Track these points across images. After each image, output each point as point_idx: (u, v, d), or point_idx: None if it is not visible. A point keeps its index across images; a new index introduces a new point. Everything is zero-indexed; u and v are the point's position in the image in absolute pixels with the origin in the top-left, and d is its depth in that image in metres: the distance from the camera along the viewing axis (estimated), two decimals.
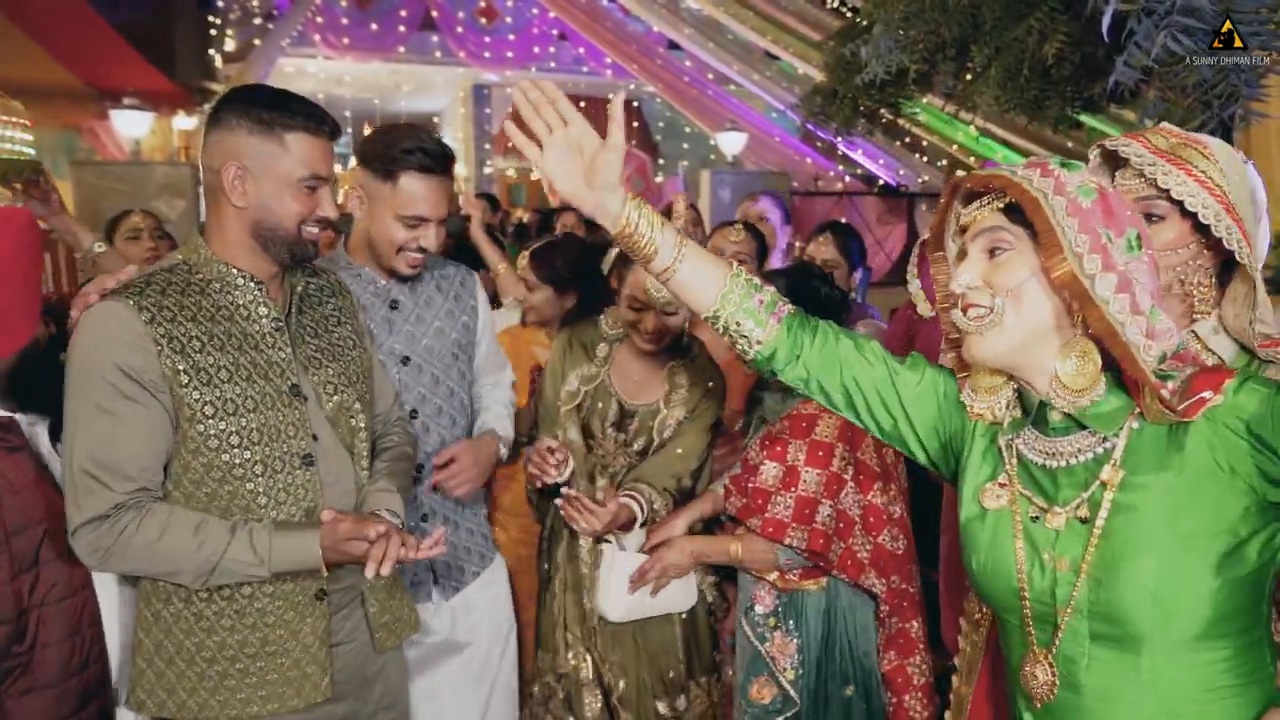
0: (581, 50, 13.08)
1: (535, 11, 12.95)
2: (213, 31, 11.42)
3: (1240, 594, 1.07)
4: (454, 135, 15.24)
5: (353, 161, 2.04)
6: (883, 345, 1.36)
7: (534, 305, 2.78)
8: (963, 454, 1.30)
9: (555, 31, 13.09)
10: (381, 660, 1.76)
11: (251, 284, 1.57)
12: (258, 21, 11.47)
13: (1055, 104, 2.49)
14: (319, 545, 1.50)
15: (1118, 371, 1.11)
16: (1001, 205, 1.15)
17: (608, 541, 2.10)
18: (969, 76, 2.62)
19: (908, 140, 11.15)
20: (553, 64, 13.15)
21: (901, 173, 11.49)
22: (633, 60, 12.18)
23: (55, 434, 1.63)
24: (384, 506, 1.65)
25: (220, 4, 11.47)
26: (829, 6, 9.84)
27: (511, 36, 12.88)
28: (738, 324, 1.29)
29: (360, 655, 1.70)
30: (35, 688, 1.54)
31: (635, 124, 14.02)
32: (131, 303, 1.45)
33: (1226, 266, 1.35)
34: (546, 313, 2.78)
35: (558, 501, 2.04)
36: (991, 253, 1.15)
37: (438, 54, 12.91)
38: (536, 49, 13.03)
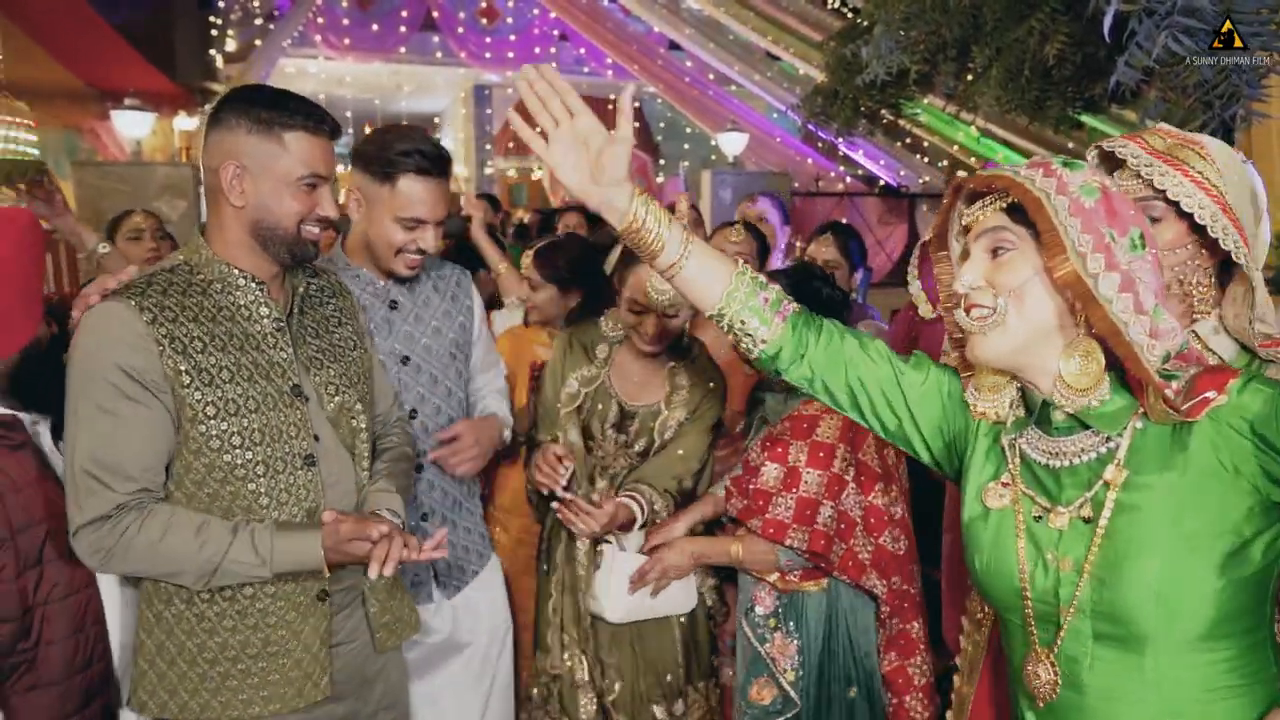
0: (582, 51, 13.08)
1: (536, 12, 12.96)
2: (214, 32, 11.43)
3: (1244, 594, 1.07)
4: (455, 136, 15.25)
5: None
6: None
7: (537, 305, 2.78)
8: (966, 453, 1.30)
9: (556, 32, 13.10)
10: (382, 660, 1.76)
11: (253, 284, 1.57)
12: (259, 22, 11.48)
13: (1056, 104, 2.49)
14: (321, 546, 1.50)
15: (1121, 371, 1.11)
16: (1004, 205, 1.15)
17: (607, 542, 2.09)
18: (970, 77, 2.62)
19: (909, 141, 11.15)
20: (554, 65, 12.98)
21: (902, 173, 11.49)
22: (634, 61, 12.19)
23: (58, 433, 1.63)
24: (384, 507, 1.65)
25: (221, 4, 11.48)
26: (830, 7, 9.85)
27: (512, 37, 12.88)
28: (743, 322, 1.28)
29: (361, 655, 1.70)
30: (40, 684, 1.55)
31: (636, 124, 13.98)
32: (133, 303, 1.45)
33: (1226, 266, 1.35)
34: (550, 312, 2.78)
35: (554, 505, 2.04)
36: (994, 253, 1.15)
37: (439, 54, 12.92)
38: (537, 49, 13.03)
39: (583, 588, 2.15)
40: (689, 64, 12.51)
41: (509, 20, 12.93)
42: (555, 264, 2.74)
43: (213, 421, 1.48)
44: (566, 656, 2.17)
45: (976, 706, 1.59)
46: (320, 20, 11.81)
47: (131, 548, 1.43)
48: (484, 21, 12.87)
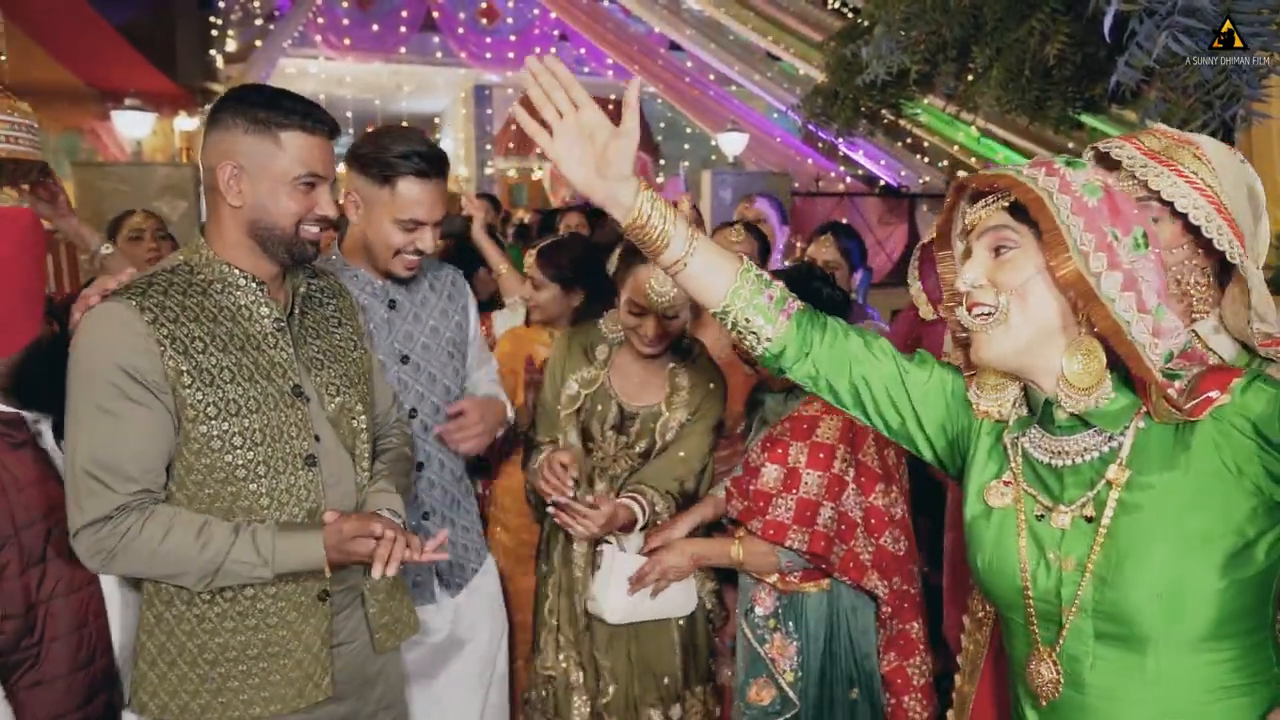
0: (583, 51, 13.08)
1: (536, 12, 12.96)
2: (214, 32, 11.43)
3: (1246, 595, 1.07)
4: (455, 136, 15.26)
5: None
6: None
7: (540, 304, 2.79)
8: (969, 452, 1.30)
9: (556, 32, 13.10)
10: (381, 661, 1.76)
11: (253, 284, 1.57)
12: (259, 22, 11.48)
13: (1057, 105, 2.49)
14: (322, 546, 1.50)
15: (1124, 370, 1.11)
16: (1006, 204, 1.15)
17: (607, 543, 2.08)
18: (970, 77, 2.62)
19: (909, 141, 11.15)
20: None
21: (903, 173, 11.49)
22: (634, 61, 12.18)
23: (59, 433, 1.64)
24: (385, 507, 1.65)
25: (222, 5, 11.48)
26: (830, 7, 9.84)
27: (513, 37, 12.88)
28: (747, 320, 1.27)
29: (361, 655, 1.70)
30: (44, 680, 1.55)
31: None
32: (134, 303, 1.45)
33: (1226, 266, 1.35)
34: (552, 311, 2.79)
35: (550, 510, 2.04)
36: (996, 251, 1.15)
37: (439, 55, 12.92)
38: (538, 50, 12.79)
39: (579, 589, 2.15)
40: (689, 64, 12.51)
41: (509, 20, 12.93)
42: (558, 263, 2.75)
43: (214, 422, 1.48)
44: (561, 658, 2.17)
45: (978, 705, 1.60)
46: (320, 20, 11.81)
47: (132, 549, 1.43)
48: (484, 21, 12.87)
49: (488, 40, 12.86)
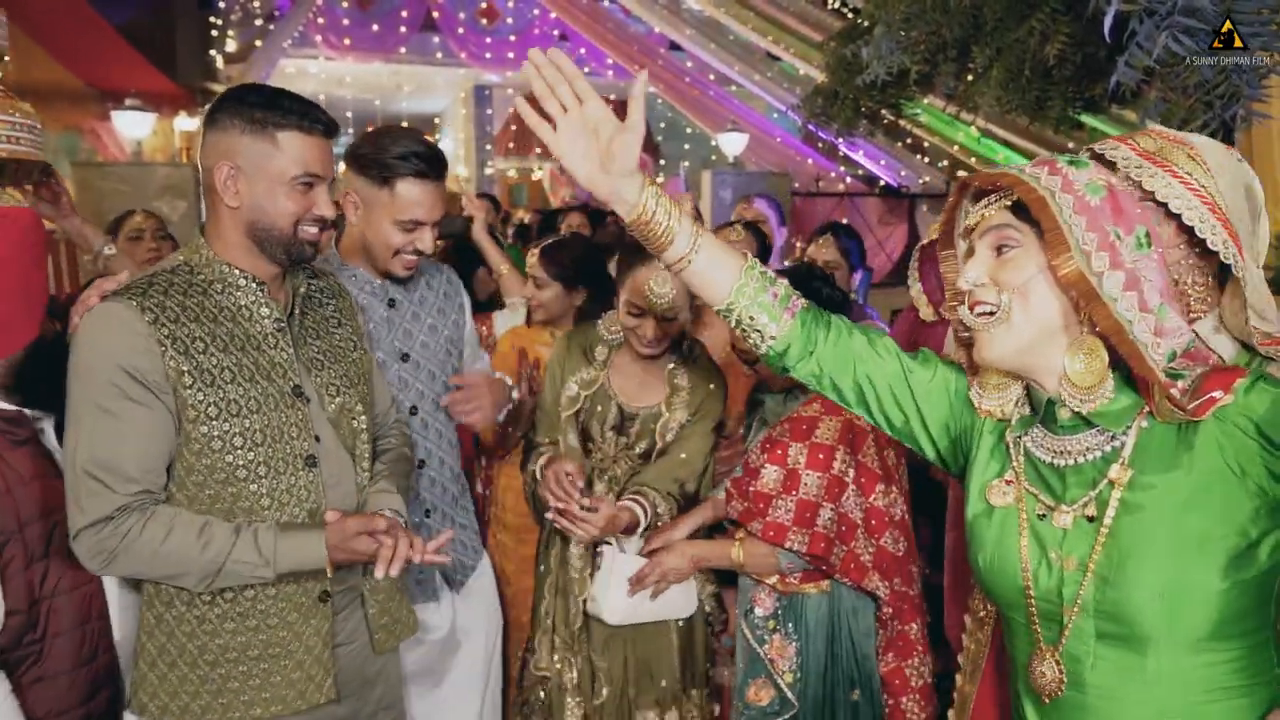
0: (583, 51, 13.07)
1: (536, 12, 12.96)
2: (214, 32, 11.42)
3: (1248, 596, 1.06)
4: (455, 136, 15.26)
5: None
6: None
7: (543, 303, 2.79)
8: (971, 451, 1.30)
9: (556, 32, 13.10)
10: (381, 661, 1.76)
11: (253, 284, 1.57)
12: (259, 22, 11.47)
13: (1057, 105, 2.49)
14: (324, 545, 1.50)
15: (1127, 370, 1.11)
16: (1009, 203, 1.15)
17: (607, 544, 2.08)
18: (970, 77, 2.62)
19: (909, 141, 11.14)
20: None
21: (903, 174, 11.48)
22: (634, 61, 12.18)
23: (61, 431, 1.64)
24: (386, 507, 1.65)
25: (222, 5, 11.47)
26: (830, 7, 9.84)
27: (512, 37, 12.88)
28: (751, 318, 1.26)
29: (360, 656, 1.70)
30: (47, 676, 1.56)
31: None
32: (134, 304, 1.45)
33: (1225, 265, 1.35)
34: (555, 310, 2.79)
35: (548, 515, 2.04)
36: (999, 250, 1.15)
37: (439, 55, 12.92)
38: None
39: (575, 590, 2.15)
40: (689, 64, 12.51)
41: (509, 20, 12.93)
42: (561, 262, 2.75)
43: (215, 422, 1.48)
44: (556, 659, 2.17)
45: (979, 705, 1.59)
46: (320, 20, 11.81)
47: (134, 549, 1.43)
48: (484, 22, 12.87)
49: (488, 40, 12.86)
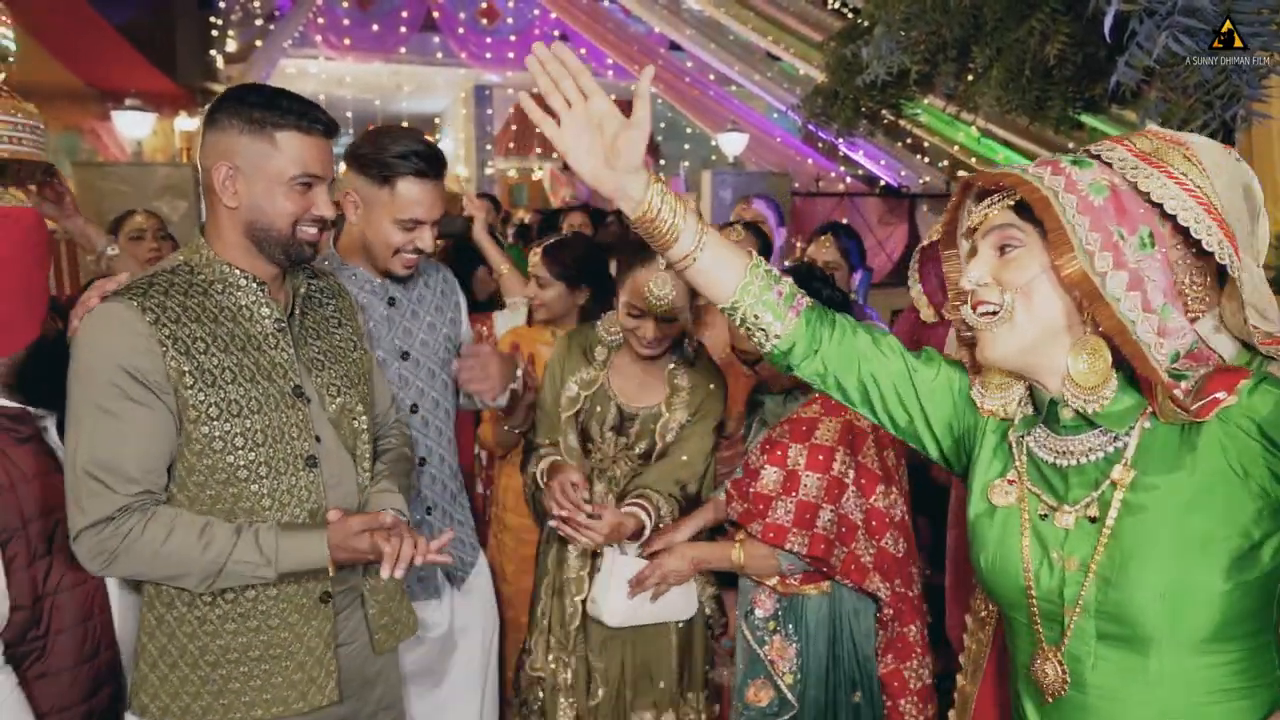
0: (583, 51, 13.07)
1: (536, 12, 12.97)
2: (214, 32, 11.42)
3: (1250, 597, 1.06)
4: (455, 136, 15.26)
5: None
6: None
7: (545, 302, 2.80)
8: (974, 450, 1.29)
9: (556, 32, 13.09)
10: (381, 661, 1.76)
11: (254, 285, 1.57)
12: (259, 22, 11.48)
13: (1057, 105, 2.49)
14: (326, 545, 1.50)
15: (1130, 370, 1.11)
16: (1012, 203, 1.14)
17: (608, 545, 2.09)
18: (970, 77, 2.62)
19: (909, 141, 11.14)
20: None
21: (903, 174, 11.48)
22: (634, 61, 12.18)
23: (63, 431, 1.65)
24: (388, 507, 1.65)
25: (222, 5, 11.48)
26: (830, 7, 9.84)
27: (513, 37, 12.89)
28: (756, 316, 1.25)
29: (361, 656, 1.70)
30: (49, 672, 1.57)
31: None
32: (135, 304, 1.45)
33: (1224, 266, 1.35)
34: (558, 309, 2.80)
35: (552, 523, 2.03)
36: (1002, 250, 1.15)
37: (439, 55, 12.93)
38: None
39: (571, 591, 2.14)
40: (689, 64, 12.51)
41: (509, 20, 12.94)
42: (563, 261, 2.76)
43: (215, 423, 1.48)
44: (550, 659, 2.17)
45: (980, 705, 1.59)
46: (320, 20, 11.81)
47: (135, 550, 1.43)
48: (484, 22, 12.87)
49: (488, 40, 12.86)
